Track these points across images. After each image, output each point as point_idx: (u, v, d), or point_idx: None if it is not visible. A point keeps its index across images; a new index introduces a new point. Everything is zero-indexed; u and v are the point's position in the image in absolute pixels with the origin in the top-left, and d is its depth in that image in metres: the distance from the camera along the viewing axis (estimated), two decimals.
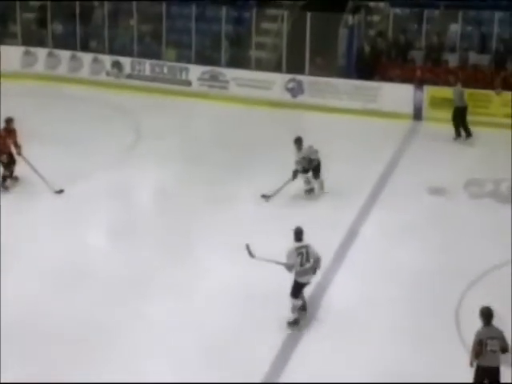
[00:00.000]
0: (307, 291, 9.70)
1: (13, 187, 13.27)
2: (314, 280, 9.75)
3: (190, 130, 16.91)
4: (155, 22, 20.10)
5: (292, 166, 12.94)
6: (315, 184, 13.19)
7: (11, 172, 13.19)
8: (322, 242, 10.15)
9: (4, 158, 13.01)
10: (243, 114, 18.00)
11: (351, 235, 11.96)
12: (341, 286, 10.53)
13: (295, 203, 12.99)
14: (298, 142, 12.98)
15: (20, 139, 13.16)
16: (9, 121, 13.00)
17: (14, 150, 13.08)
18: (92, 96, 19.02)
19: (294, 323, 9.46)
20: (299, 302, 9.46)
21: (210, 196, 13.25)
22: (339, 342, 9.27)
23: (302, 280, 9.39)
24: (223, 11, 19.21)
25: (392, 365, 8.74)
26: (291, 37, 18.94)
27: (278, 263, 9.35)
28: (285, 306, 9.55)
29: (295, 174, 12.88)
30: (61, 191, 12.95)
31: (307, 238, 9.51)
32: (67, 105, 18.18)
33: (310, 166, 12.95)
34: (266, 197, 12.80)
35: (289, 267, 9.32)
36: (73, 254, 11.27)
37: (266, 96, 18.62)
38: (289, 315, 9.53)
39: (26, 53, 20.54)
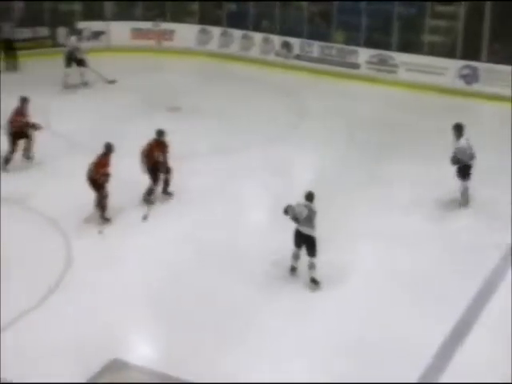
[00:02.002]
0: None
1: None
2: None
3: (354, 114, 16.55)
4: (325, 2, 19.81)
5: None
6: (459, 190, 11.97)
7: (166, 183, 12.22)
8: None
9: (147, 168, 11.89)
10: (411, 99, 17.39)
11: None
12: None
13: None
14: (459, 129, 11.93)
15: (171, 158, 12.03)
16: (160, 133, 12.14)
17: (162, 160, 11.95)
18: (260, 75, 19.20)
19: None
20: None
21: (367, 180, 12.92)
22: None
23: None
24: None
25: None
26: (468, 20, 17.94)
27: None
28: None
29: (454, 160, 11.76)
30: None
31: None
32: (234, 82, 18.45)
33: (463, 162, 11.74)
34: None
35: None
36: (222, 230, 11.33)
37: (437, 82, 17.85)
38: None
39: (202, 31, 21.14)
